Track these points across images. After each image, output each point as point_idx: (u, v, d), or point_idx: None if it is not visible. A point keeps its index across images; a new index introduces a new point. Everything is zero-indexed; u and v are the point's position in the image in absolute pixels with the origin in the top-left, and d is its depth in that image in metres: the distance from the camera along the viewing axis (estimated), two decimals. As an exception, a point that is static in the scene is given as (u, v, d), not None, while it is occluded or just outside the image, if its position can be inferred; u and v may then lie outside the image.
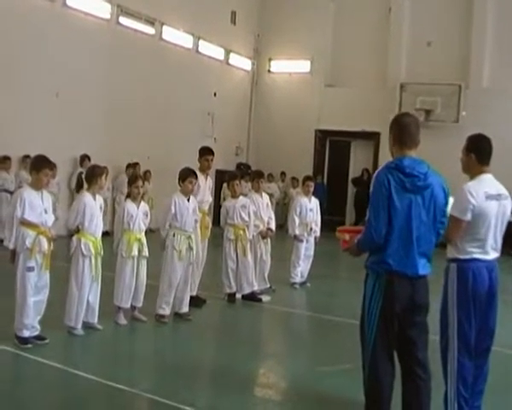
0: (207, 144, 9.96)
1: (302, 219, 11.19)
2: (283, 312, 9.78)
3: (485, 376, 5.35)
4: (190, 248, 8.47)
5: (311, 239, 11.35)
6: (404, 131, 4.82)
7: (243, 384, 6.27)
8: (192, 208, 8.54)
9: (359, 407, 4.94)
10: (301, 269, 11.21)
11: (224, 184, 20.17)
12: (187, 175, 8.44)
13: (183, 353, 7.26)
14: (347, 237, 5.22)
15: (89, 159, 14.80)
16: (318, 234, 11.47)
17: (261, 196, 10.56)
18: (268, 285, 10.54)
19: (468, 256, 5.13)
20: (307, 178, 11.90)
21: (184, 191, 8.45)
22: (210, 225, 9.63)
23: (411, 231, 4.64)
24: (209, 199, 9.66)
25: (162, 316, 8.32)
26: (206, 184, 9.43)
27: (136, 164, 16.61)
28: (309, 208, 11.32)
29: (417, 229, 4.66)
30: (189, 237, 8.46)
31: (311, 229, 11.26)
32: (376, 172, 4.82)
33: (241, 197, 9.79)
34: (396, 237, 4.62)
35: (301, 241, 11.19)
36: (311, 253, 11.35)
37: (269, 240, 10.65)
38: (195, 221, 8.71)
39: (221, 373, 6.66)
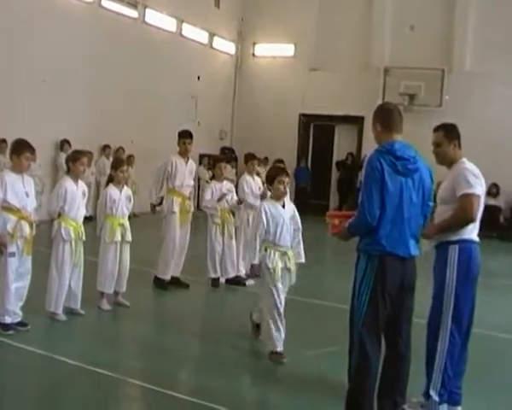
0: (191, 128, 9.89)
1: None
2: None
3: (466, 356, 5.43)
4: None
5: None
6: (390, 115, 4.97)
7: (229, 369, 6.28)
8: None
9: (339, 390, 4.98)
10: None
11: (200, 167, 20.31)
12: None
13: (168, 337, 7.25)
14: (337, 221, 5.26)
15: (69, 144, 14.73)
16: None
17: (253, 178, 10.49)
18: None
19: (468, 237, 5.21)
20: (278, 161, 11.72)
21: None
22: (191, 210, 9.53)
23: (403, 213, 4.75)
24: (190, 183, 9.53)
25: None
26: (185, 168, 9.33)
27: (120, 148, 16.64)
28: None
29: (408, 211, 4.77)
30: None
31: None
32: (368, 156, 4.90)
33: (225, 181, 9.71)
34: (389, 218, 4.71)
35: None
36: None
37: None
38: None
39: (206, 358, 6.68)
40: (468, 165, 5.27)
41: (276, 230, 6.37)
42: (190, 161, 9.52)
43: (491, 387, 6.19)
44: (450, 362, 5.18)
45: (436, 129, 5.44)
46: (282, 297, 6.43)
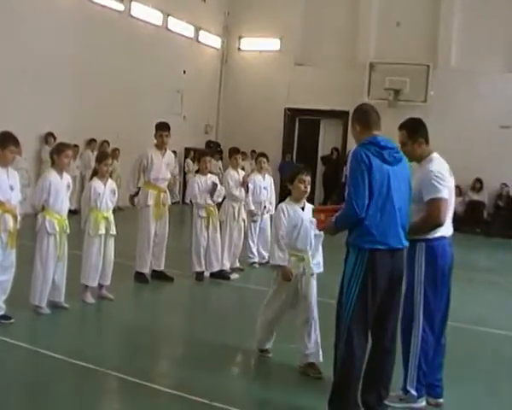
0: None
1: (256, 198, 10.91)
2: (253, 290, 9.82)
3: (442, 349, 5.50)
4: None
5: (266, 218, 11.16)
6: (368, 114, 5.05)
7: (214, 362, 6.29)
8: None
9: (329, 383, 5.01)
10: (261, 249, 11.08)
11: (187, 160, 20.34)
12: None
13: (152, 331, 7.26)
14: (322, 216, 5.27)
15: (54, 137, 14.67)
16: (273, 211, 11.16)
17: (237, 172, 10.48)
18: (238, 264, 10.58)
19: (436, 234, 5.22)
20: (260, 155, 11.55)
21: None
22: (168, 203, 9.48)
23: (393, 202, 4.77)
24: (166, 176, 9.41)
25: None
26: (162, 161, 9.27)
27: (105, 142, 16.63)
28: (263, 186, 11.08)
29: (398, 200, 4.80)
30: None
31: (264, 207, 11.07)
32: (352, 150, 4.91)
33: (209, 175, 9.67)
34: (378, 208, 4.72)
35: (255, 221, 10.96)
36: (268, 231, 11.01)
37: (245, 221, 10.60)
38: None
39: (190, 351, 6.69)
40: (434, 165, 5.26)
41: (293, 233, 5.99)
42: (167, 153, 9.44)
43: (473, 379, 6.26)
44: (424, 359, 5.23)
45: (400, 127, 5.44)
46: (287, 306, 6.15)
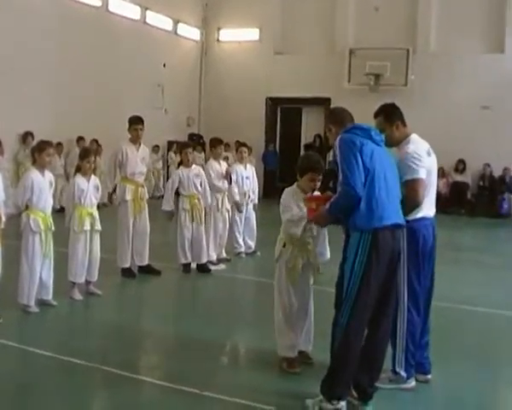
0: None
1: (239, 188, 10.85)
2: (241, 280, 9.87)
3: (428, 328, 5.57)
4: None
5: (250, 207, 11.16)
6: (341, 113, 5.21)
7: (204, 353, 6.29)
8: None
9: (323, 368, 5.02)
10: (247, 239, 11.10)
11: (170, 153, 20.34)
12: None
13: (141, 324, 7.29)
14: (314, 205, 5.21)
15: (32, 136, 14.53)
16: (256, 201, 11.33)
17: (219, 162, 10.46)
18: (225, 255, 10.59)
19: (417, 215, 5.24)
20: (240, 145, 11.49)
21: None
22: (146, 197, 9.42)
23: (387, 179, 4.77)
24: (142, 170, 9.32)
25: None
26: (136, 156, 9.19)
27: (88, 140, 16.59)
28: (245, 176, 11.03)
29: (391, 177, 4.82)
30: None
31: (248, 197, 11.04)
32: (338, 138, 4.87)
33: (193, 166, 9.65)
34: (375, 186, 4.69)
35: (240, 211, 10.89)
36: (253, 221, 11.17)
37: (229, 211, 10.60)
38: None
39: (180, 343, 6.70)
40: (410, 146, 5.27)
41: (299, 222, 5.65)
42: (142, 146, 9.35)
43: (461, 356, 6.33)
44: (411, 340, 5.29)
45: (376, 115, 5.45)
46: (297, 297, 5.82)
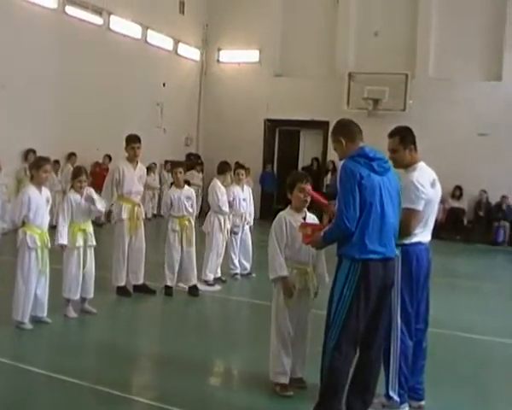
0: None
1: (236, 211, 10.81)
2: (235, 301, 9.84)
3: (424, 353, 5.57)
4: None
5: (247, 229, 11.13)
6: (350, 127, 5.11)
7: (197, 374, 6.26)
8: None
9: (317, 391, 5.02)
10: (243, 260, 11.05)
11: (163, 172, 20.29)
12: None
13: (135, 344, 7.24)
14: (309, 231, 5.28)
15: (34, 153, 14.53)
16: (252, 223, 11.29)
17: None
18: (220, 275, 10.55)
19: (412, 240, 5.28)
20: (238, 166, 11.36)
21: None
22: (142, 216, 9.40)
23: (384, 211, 4.79)
24: (139, 189, 9.32)
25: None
26: (133, 174, 9.18)
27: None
28: (242, 198, 10.95)
29: (388, 209, 4.83)
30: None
31: (244, 219, 11.00)
32: (342, 163, 4.91)
33: (186, 187, 9.58)
34: (370, 219, 4.73)
35: (235, 233, 10.88)
36: (249, 243, 11.11)
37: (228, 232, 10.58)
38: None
39: (173, 363, 6.65)
40: (415, 175, 5.30)
41: (294, 245, 5.65)
42: (139, 165, 9.34)
43: (456, 383, 6.31)
44: (404, 363, 5.29)
45: (391, 135, 5.49)
46: (293, 322, 5.75)
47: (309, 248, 5.51)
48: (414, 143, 5.45)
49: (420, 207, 5.21)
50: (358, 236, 4.73)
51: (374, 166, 4.81)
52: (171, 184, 10.42)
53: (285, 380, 5.73)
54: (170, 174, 19.35)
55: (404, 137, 5.44)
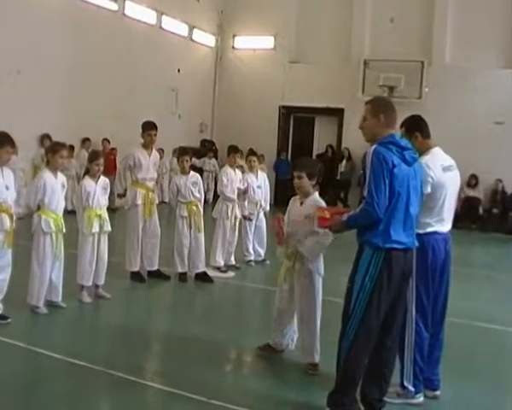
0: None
1: (251, 198, 10.80)
2: (250, 288, 9.84)
3: (440, 344, 5.54)
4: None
5: (262, 215, 11.14)
6: (394, 112, 4.98)
7: (211, 360, 6.28)
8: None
9: (330, 380, 5.00)
10: (257, 247, 11.06)
11: (173, 158, 20.24)
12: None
13: (149, 329, 7.26)
14: (327, 214, 5.23)
15: (49, 138, 14.59)
16: (268, 209, 11.28)
17: (234, 171, 10.46)
18: (234, 262, 10.56)
19: (427, 230, 5.24)
20: (250, 153, 11.36)
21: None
22: (156, 202, 9.38)
23: (409, 203, 4.76)
24: (154, 176, 9.35)
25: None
26: (149, 161, 9.20)
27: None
28: (256, 185, 10.97)
29: (413, 201, 4.80)
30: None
31: (260, 206, 11.01)
32: (371, 149, 4.76)
33: (191, 173, 9.51)
34: (397, 209, 4.69)
35: (250, 220, 10.87)
36: (264, 229, 11.09)
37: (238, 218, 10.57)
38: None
39: (187, 349, 6.66)
40: (426, 158, 5.25)
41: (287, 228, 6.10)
42: (154, 152, 9.35)
43: (472, 373, 6.28)
44: (419, 354, 5.26)
45: (400, 125, 5.43)
46: (286, 299, 6.20)
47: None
48: (419, 130, 5.39)
49: (424, 189, 5.15)
50: (385, 224, 4.67)
51: (405, 156, 4.75)
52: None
53: (271, 342, 6.38)
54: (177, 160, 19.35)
55: (408, 126, 5.41)
